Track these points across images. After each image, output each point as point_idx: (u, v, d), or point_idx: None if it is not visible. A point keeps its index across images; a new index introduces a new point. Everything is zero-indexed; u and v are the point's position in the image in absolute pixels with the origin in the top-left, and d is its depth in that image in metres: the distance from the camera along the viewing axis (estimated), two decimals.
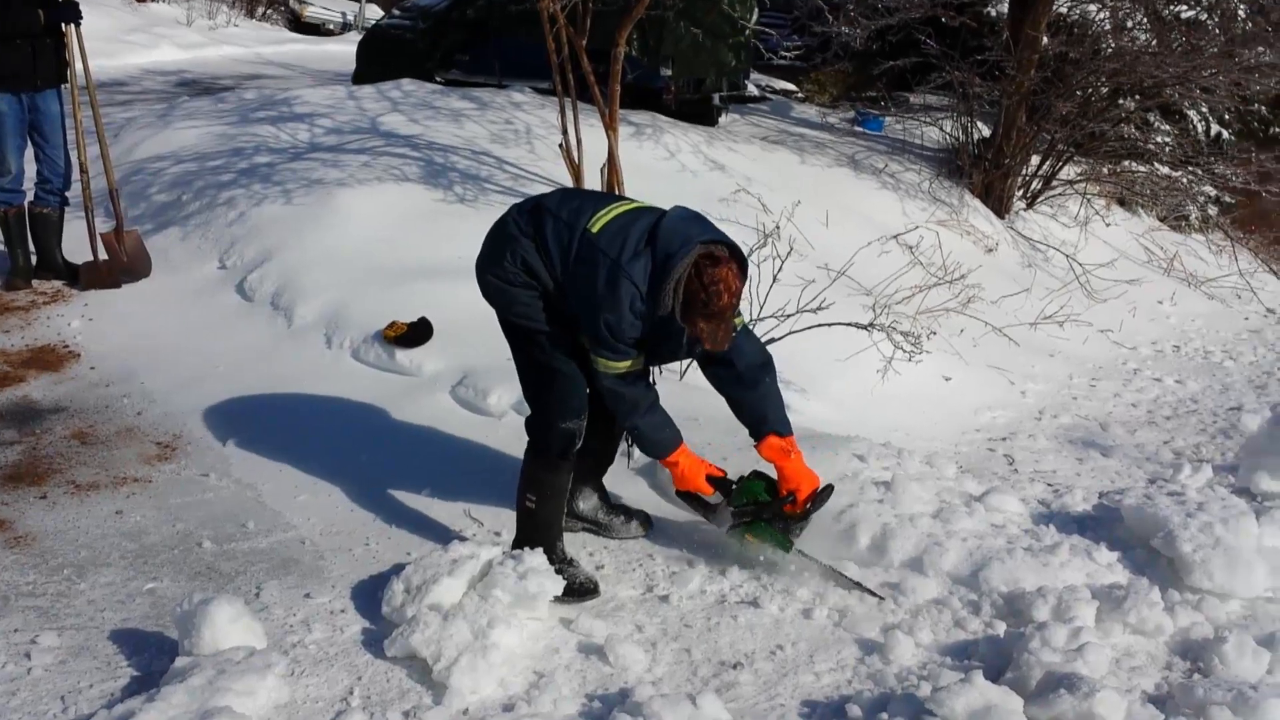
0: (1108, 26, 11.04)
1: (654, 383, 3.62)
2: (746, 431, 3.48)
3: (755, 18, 10.94)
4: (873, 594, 3.38)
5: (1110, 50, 10.43)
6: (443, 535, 3.73)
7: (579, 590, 3.33)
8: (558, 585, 3.16)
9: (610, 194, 3.63)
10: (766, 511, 3.44)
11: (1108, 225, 10.61)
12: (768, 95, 13.32)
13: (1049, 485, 4.62)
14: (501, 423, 4.52)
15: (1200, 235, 12.07)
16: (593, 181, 6.89)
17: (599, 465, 3.80)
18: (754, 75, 13.84)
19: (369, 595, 3.34)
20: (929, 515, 3.71)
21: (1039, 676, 2.76)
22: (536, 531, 3.41)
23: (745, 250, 5.93)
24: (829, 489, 3.45)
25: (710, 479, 3.43)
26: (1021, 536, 3.67)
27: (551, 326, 3.29)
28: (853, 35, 11.25)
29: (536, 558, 3.20)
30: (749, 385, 3.39)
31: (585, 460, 3.62)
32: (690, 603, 3.36)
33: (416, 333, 5.02)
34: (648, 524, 3.81)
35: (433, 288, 5.48)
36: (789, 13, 13.89)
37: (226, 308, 5.79)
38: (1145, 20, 10.98)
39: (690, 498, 3.51)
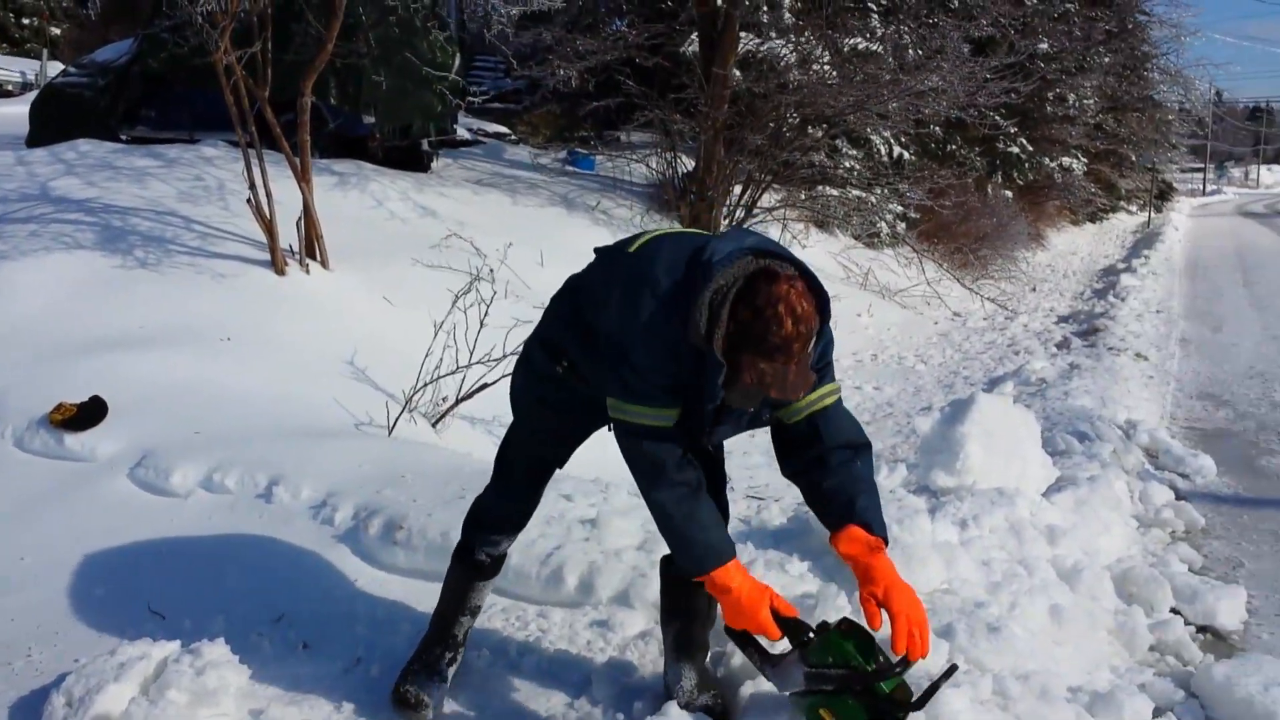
0: (794, 60, 11.81)
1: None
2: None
3: (457, 64, 10.94)
4: None
5: (795, 84, 11.16)
6: (120, 635, 3.38)
7: (401, 699, 2.96)
8: (241, 676, 2.94)
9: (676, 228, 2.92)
10: (862, 680, 2.42)
11: (805, 247, 11.28)
12: (480, 139, 13.35)
13: (757, 500, 4.78)
14: (187, 503, 4.21)
15: (890, 250, 13.07)
16: (288, 235, 6.63)
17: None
18: (466, 119, 13.85)
19: (31, 713, 2.99)
20: (634, 548, 3.74)
21: (735, 696, 2.81)
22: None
23: (469, 296, 5.90)
24: (952, 669, 2.52)
25: (778, 617, 2.51)
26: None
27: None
28: (557, 78, 11.48)
29: (217, 650, 2.97)
30: (834, 466, 2.56)
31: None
32: (395, 672, 3.20)
33: (87, 413, 4.62)
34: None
35: (108, 362, 5.09)
36: (494, 55, 14.04)
37: None
38: (827, 54, 11.84)
39: (743, 638, 2.61)
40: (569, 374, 2.74)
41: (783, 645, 2.56)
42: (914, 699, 2.45)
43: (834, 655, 2.45)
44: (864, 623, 2.50)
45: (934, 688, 2.44)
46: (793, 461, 2.64)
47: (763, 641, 2.59)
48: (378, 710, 3.01)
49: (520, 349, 3.01)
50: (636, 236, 2.71)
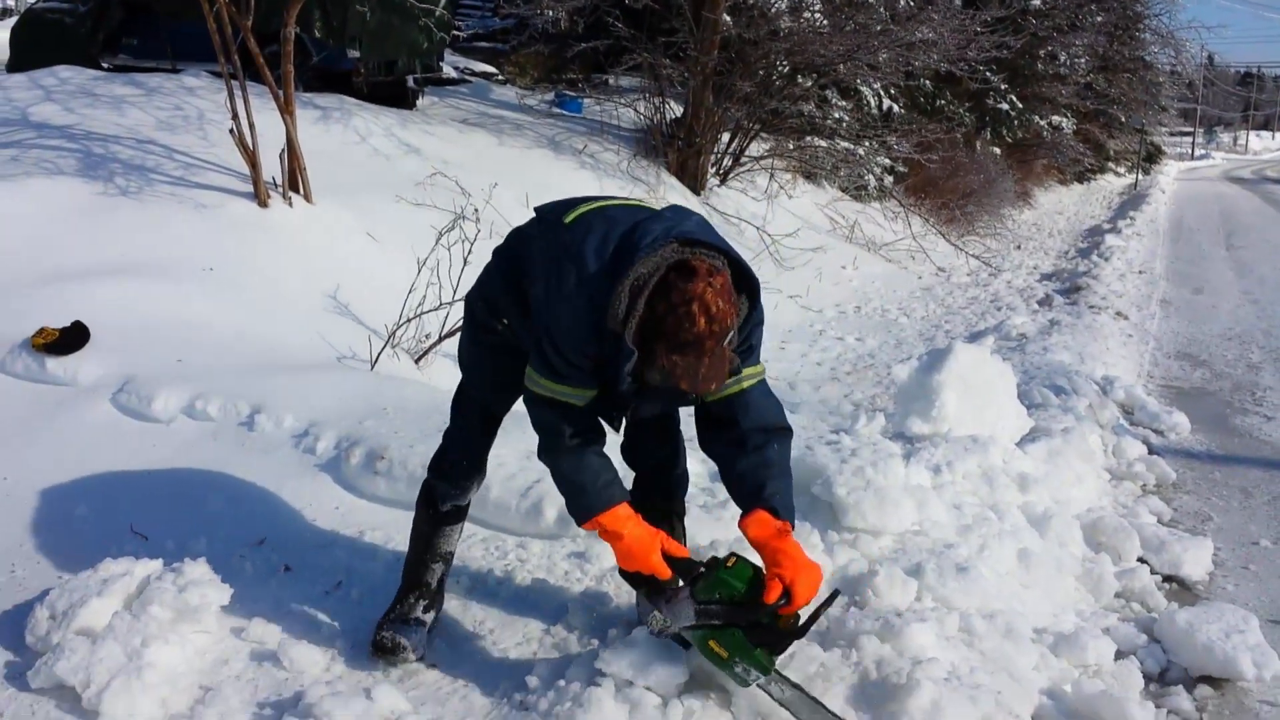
0: (785, 7, 11.71)
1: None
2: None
3: (444, 0, 10.78)
4: None
5: (786, 31, 11.07)
6: (103, 554, 3.40)
7: (378, 646, 2.92)
8: (223, 594, 2.97)
9: (623, 198, 2.90)
10: (745, 615, 2.53)
11: (791, 197, 11.26)
12: (467, 78, 13.20)
13: None
14: (170, 428, 4.22)
15: (877, 203, 13.06)
16: (271, 167, 6.58)
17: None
18: (453, 58, 13.68)
19: (14, 626, 3.02)
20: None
21: None
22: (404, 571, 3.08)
23: (452, 233, 5.87)
24: (834, 595, 2.61)
25: (668, 559, 2.61)
26: (698, 495, 3.81)
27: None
28: (545, 18, 11.35)
29: (199, 569, 3.00)
30: (750, 449, 2.59)
31: None
32: (374, 596, 3.26)
33: (69, 338, 4.60)
34: None
35: (90, 288, 5.06)
36: None
37: None
38: (818, 2, 11.74)
39: (638, 580, 2.71)
40: (508, 331, 2.78)
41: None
42: (798, 625, 2.54)
43: (720, 591, 2.55)
44: (754, 559, 2.62)
45: (815, 614, 2.54)
46: (710, 440, 2.67)
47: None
48: (357, 631, 3.05)
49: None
50: (576, 203, 2.66)
